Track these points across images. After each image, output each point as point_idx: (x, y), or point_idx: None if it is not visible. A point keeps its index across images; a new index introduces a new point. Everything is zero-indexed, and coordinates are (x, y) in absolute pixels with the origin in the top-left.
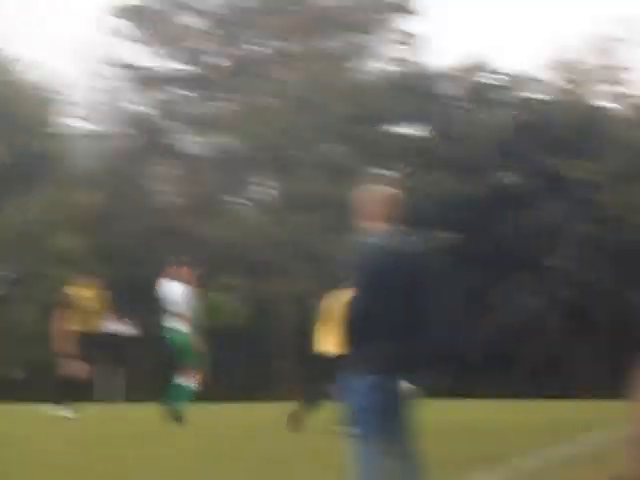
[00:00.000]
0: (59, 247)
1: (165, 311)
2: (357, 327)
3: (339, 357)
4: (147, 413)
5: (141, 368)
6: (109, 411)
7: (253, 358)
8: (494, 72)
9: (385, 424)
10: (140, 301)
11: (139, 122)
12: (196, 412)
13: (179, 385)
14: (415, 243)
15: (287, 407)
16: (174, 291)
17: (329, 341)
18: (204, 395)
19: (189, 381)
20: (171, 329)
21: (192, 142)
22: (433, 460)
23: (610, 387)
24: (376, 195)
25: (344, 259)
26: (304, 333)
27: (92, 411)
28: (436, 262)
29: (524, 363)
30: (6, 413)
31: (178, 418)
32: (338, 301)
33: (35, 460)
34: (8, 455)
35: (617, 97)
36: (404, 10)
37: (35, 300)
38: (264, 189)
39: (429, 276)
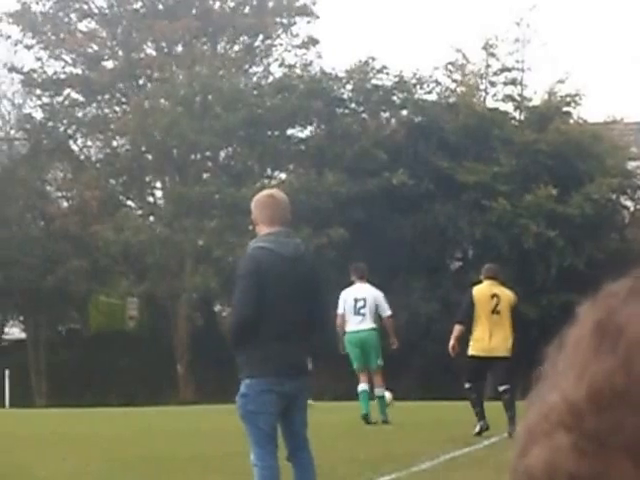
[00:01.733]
0: None
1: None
2: (245, 331)
3: None
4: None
5: (26, 371)
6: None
7: (153, 361)
8: (385, 73)
9: (277, 426)
10: (30, 305)
11: (34, 126)
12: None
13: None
14: (300, 245)
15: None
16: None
17: None
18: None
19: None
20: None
21: (83, 145)
22: (331, 460)
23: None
24: (262, 199)
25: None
26: (206, 333)
27: None
28: (321, 264)
29: (415, 367)
30: None
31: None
32: None
33: None
34: None
35: (511, 99)
36: (303, 13)
37: None
38: (156, 191)
39: (315, 278)
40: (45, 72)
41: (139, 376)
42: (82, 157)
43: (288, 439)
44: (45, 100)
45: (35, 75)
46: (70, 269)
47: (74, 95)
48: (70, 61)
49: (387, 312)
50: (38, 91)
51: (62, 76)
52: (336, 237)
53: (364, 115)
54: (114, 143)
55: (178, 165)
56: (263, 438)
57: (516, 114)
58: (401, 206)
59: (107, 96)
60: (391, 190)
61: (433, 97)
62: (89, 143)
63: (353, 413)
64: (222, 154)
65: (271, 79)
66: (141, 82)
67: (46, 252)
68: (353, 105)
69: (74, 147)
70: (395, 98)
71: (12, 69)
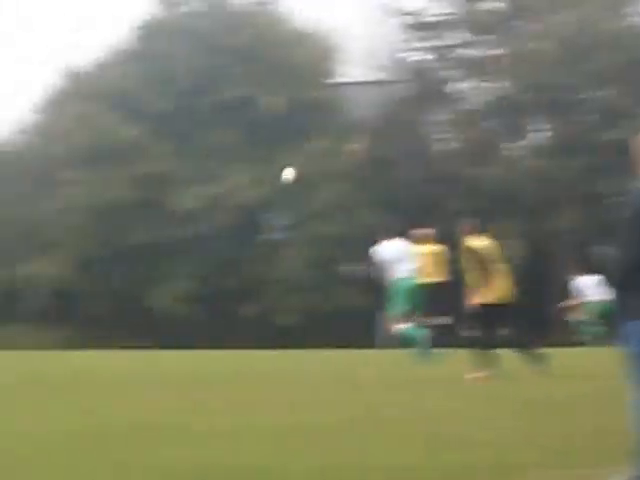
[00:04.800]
0: (330, 197)
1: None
2: (629, 272)
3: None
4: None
5: None
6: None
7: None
8: None
9: None
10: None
11: (415, 69)
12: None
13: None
14: None
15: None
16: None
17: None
18: None
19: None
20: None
21: (467, 87)
22: None
23: None
24: None
25: (622, 206)
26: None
27: None
28: None
29: None
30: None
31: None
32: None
33: None
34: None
35: None
36: None
37: (303, 249)
38: (538, 133)
39: None
40: (426, 14)
41: None
42: (462, 99)
43: None
44: (425, 43)
45: (416, 18)
46: (450, 211)
47: (455, 37)
48: (457, 4)
49: None
50: (419, 33)
51: (442, 18)
52: None
53: None
54: (494, 85)
55: (557, 107)
56: None
57: None
58: None
59: (490, 38)
60: None
61: None
62: (468, 85)
63: None
64: (599, 95)
65: None
66: (522, 23)
67: (426, 194)
68: None
69: (454, 89)
70: None
71: (393, 12)
